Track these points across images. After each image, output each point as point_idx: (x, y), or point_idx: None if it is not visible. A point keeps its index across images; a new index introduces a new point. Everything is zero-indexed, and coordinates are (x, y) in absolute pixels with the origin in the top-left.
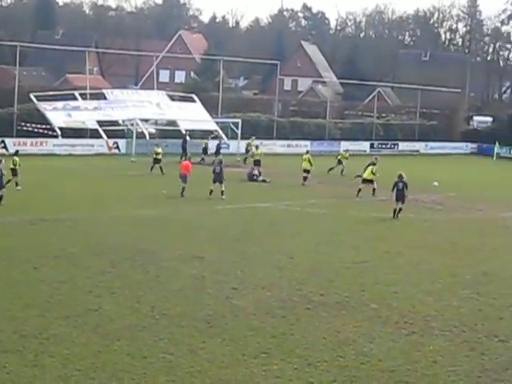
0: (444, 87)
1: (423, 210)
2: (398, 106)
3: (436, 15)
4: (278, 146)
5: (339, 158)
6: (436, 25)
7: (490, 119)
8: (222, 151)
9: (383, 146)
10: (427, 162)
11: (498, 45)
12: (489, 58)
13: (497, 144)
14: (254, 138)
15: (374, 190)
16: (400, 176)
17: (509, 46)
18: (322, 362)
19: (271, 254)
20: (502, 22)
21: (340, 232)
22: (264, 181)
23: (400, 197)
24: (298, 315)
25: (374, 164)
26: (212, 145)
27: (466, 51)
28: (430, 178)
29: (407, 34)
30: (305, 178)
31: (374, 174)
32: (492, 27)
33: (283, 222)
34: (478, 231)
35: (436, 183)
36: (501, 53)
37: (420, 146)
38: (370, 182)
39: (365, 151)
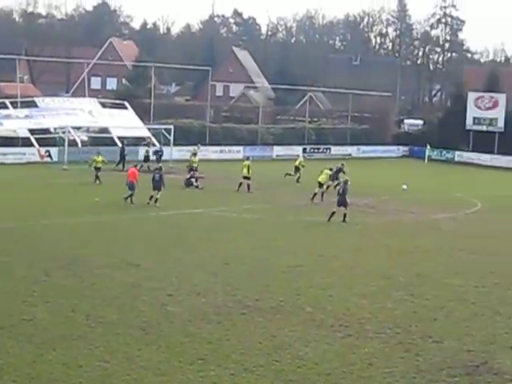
0: (375, 91)
1: (356, 214)
2: (330, 111)
3: (366, 20)
4: (210, 152)
5: (297, 164)
6: (366, 29)
7: (420, 122)
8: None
9: (315, 151)
10: (360, 166)
11: (427, 48)
12: (419, 61)
13: (428, 147)
14: (199, 145)
15: (322, 193)
16: (346, 181)
17: (438, 49)
18: (258, 367)
19: (206, 260)
20: (432, 26)
21: (275, 237)
22: (197, 187)
23: (342, 202)
24: (233, 321)
25: (341, 170)
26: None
27: (396, 55)
28: (362, 182)
29: (338, 38)
30: (248, 186)
31: (326, 177)
32: (421, 31)
33: (218, 227)
34: (410, 233)
35: (405, 186)
36: (430, 56)
37: (352, 149)
38: (323, 185)
39: (297, 156)
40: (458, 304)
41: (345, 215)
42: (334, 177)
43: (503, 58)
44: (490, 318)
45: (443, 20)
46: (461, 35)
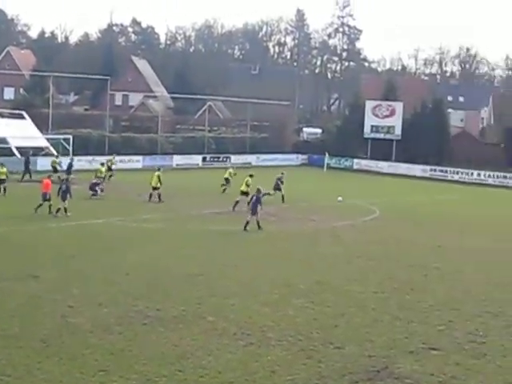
0: (274, 100)
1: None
2: (229, 120)
3: (264, 29)
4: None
5: (227, 176)
6: (265, 38)
7: (319, 130)
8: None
9: (216, 160)
10: (259, 174)
11: (325, 57)
12: (317, 70)
13: (327, 155)
14: (114, 155)
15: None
16: (258, 190)
17: (336, 58)
18: (161, 377)
19: (107, 270)
20: (329, 36)
21: (177, 246)
22: (94, 194)
23: (253, 210)
24: (135, 331)
25: (279, 179)
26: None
27: (295, 64)
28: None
29: (236, 47)
30: (158, 196)
31: (248, 186)
32: (319, 40)
33: (119, 237)
34: (310, 241)
35: (340, 198)
36: (328, 65)
37: (252, 158)
38: (246, 194)
39: (197, 165)
40: (358, 310)
41: (247, 223)
42: (274, 186)
43: (400, 67)
44: (389, 324)
45: (341, 29)
46: (358, 44)
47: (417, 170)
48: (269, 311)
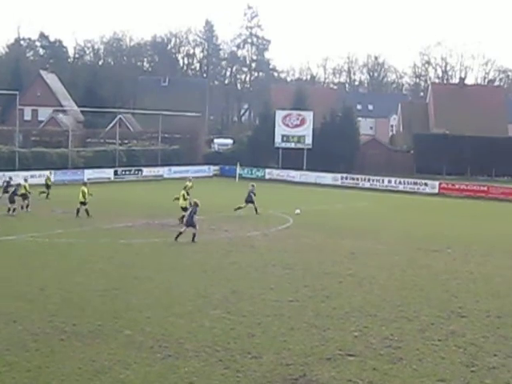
0: (184, 112)
1: (170, 234)
2: (140, 132)
3: (173, 41)
4: (20, 178)
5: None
6: (174, 50)
7: (230, 141)
8: None
9: (127, 173)
10: (171, 187)
11: (234, 68)
12: (226, 81)
13: (238, 165)
14: (51, 171)
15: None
16: (195, 204)
17: (245, 69)
18: None
19: (21, 286)
20: (238, 46)
21: (90, 260)
22: (9, 210)
23: (190, 222)
24: (51, 347)
25: (251, 192)
26: None
27: (204, 75)
28: (174, 203)
29: (146, 60)
30: (86, 211)
31: (185, 199)
32: (228, 51)
33: (31, 254)
34: (224, 251)
35: (298, 211)
36: (238, 76)
37: (164, 170)
38: (185, 209)
39: (109, 178)
40: (275, 319)
41: (194, 235)
42: (246, 199)
43: (309, 76)
44: (306, 331)
45: (249, 40)
46: (267, 55)
47: (328, 178)
48: (185, 323)
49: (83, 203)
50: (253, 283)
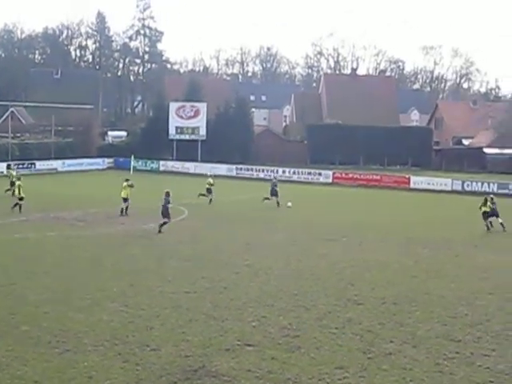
0: (77, 104)
1: (65, 228)
2: (33, 125)
3: (65, 33)
4: None
5: (208, 186)
6: (66, 42)
7: (124, 133)
8: None
9: (20, 167)
10: (66, 180)
11: (127, 60)
12: (119, 73)
13: (133, 157)
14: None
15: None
16: (167, 193)
17: (138, 60)
18: None
19: None
20: (131, 38)
21: None
22: None
23: (165, 213)
24: None
25: (275, 184)
26: None
27: (97, 67)
28: (70, 196)
29: (37, 52)
30: (19, 206)
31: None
32: (121, 43)
33: None
34: (121, 244)
35: (290, 204)
36: (131, 68)
37: (57, 164)
38: (126, 200)
39: (1, 172)
40: (173, 311)
41: (164, 223)
42: (271, 192)
43: (202, 68)
44: (204, 323)
45: (142, 31)
46: (160, 46)
47: (223, 169)
48: (83, 317)
49: (21, 198)
50: (150, 276)
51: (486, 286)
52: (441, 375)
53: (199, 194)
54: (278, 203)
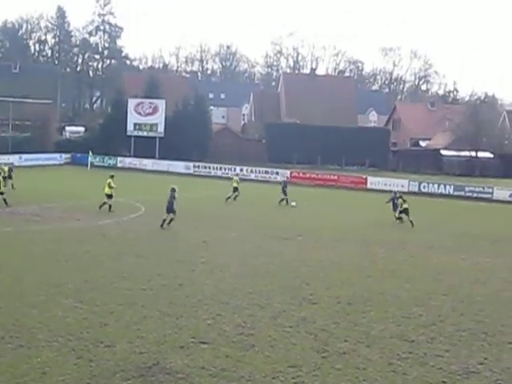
0: (35, 98)
1: (20, 222)
2: None
3: (25, 27)
4: None
5: (235, 185)
6: (25, 36)
7: (82, 129)
8: None
9: None
10: (23, 174)
11: (86, 55)
12: (78, 68)
13: (90, 153)
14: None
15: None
16: (173, 189)
17: (97, 56)
18: None
19: None
20: (90, 33)
21: None
22: None
23: (170, 208)
24: None
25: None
26: None
27: (56, 62)
28: (25, 191)
29: None
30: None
31: (110, 187)
32: (81, 38)
33: None
34: (76, 240)
35: (294, 203)
36: (90, 63)
37: (14, 158)
38: (110, 196)
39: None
40: (128, 308)
41: (171, 220)
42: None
43: (161, 65)
44: (159, 320)
45: (102, 27)
46: (119, 42)
47: (180, 166)
48: (37, 312)
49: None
50: (105, 272)
51: (441, 286)
52: (394, 375)
53: (227, 197)
54: (286, 201)
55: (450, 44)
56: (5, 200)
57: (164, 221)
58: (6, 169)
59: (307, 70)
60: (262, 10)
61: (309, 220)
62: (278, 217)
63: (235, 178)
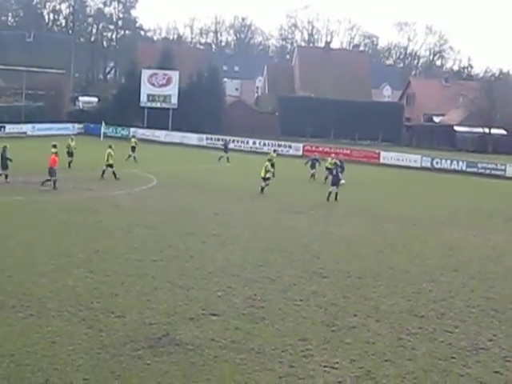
0: (49, 68)
1: (33, 192)
2: (3, 88)
3: None
4: None
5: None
6: (39, 6)
7: (95, 99)
8: None
9: None
10: (36, 144)
11: (101, 26)
12: (92, 38)
13: (103, 124)
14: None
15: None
16: (338, 163)
17: (112, 26)
18: None
19: None
20: (105, 4)
21: None
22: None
23: (335, 182)
24: None
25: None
26: None
27: (70, 32)
28: (38, 161)
29: (10, 14)
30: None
31: (267, 171)
32: (95, 8)
33: None
34: (89, 211)
35: (343, 181)
36: (104, 34)
37: (27, 127)
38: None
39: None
40: (138, 278)
41: (336, 194)
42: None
43: (176, 36)
44: (169, 291)
45: None
46: (134, 13)
47: (194, 138)
48: (47, 282)
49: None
50: (116, 243)
51: (451, 262)
52: (403, 350)
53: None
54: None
55: (465, 20)
56: (114, 173)
57: (329, 193)
58: (134, 141)
59: (322, 44)
60: None
61: (322, 194)
62: (290, 190)
63: (272, 154)
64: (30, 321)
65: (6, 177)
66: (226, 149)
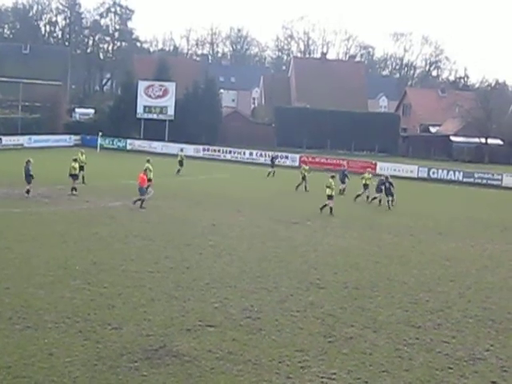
0: (45, 80)
1: (29, 204)
2: (0, 100)
3: (35, 8)
4: None
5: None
6: (36, 17)
7: (92, 111)
8: None
9: None
10: (32, 156)
11: (97, 37)
12: (89, 50)
13: (100, 135)
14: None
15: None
16: (386, 177)
17: (108, 38)
18: None
19: None
20: (101, 15)
21: None
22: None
23: (389, 192)
24: None
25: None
26: None
27: (67, 44)
28: (36, 172)
29: (6, 26)
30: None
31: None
32: (91, 20)
33: None
34: (85, 222)
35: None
36: (100, 45)
37: (24, 139)
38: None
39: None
40: (135, 290)
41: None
42: (343, 180)
43: (172, 47)
44: (166, 302)
45: (112, 9)
46: (130, 24)
47: (190, 149)
48: (45, 294)
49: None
50: (113, 254)
51: (448, 273)
52: (400, 360)
53: (297, 185)
54: (342, 190)
55: (461, 30)
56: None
57: (373, 198)
58: (183, 154)
59: (318, 55)
60: None
61: (318, 205)
62: (286, 201)
63: (304, 166)
64: (27, 333)
65: (28, 192)
66: (272, 164)
